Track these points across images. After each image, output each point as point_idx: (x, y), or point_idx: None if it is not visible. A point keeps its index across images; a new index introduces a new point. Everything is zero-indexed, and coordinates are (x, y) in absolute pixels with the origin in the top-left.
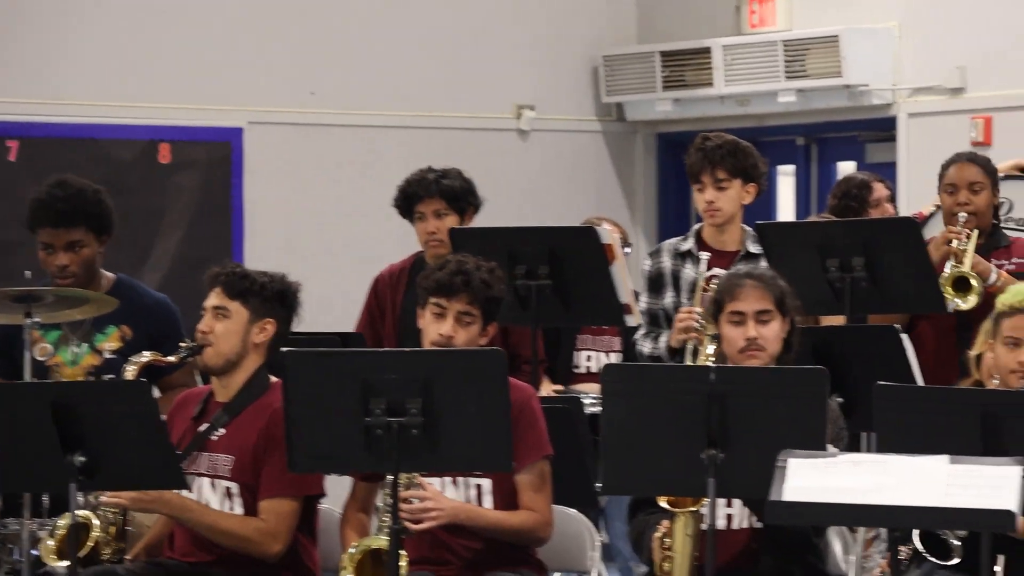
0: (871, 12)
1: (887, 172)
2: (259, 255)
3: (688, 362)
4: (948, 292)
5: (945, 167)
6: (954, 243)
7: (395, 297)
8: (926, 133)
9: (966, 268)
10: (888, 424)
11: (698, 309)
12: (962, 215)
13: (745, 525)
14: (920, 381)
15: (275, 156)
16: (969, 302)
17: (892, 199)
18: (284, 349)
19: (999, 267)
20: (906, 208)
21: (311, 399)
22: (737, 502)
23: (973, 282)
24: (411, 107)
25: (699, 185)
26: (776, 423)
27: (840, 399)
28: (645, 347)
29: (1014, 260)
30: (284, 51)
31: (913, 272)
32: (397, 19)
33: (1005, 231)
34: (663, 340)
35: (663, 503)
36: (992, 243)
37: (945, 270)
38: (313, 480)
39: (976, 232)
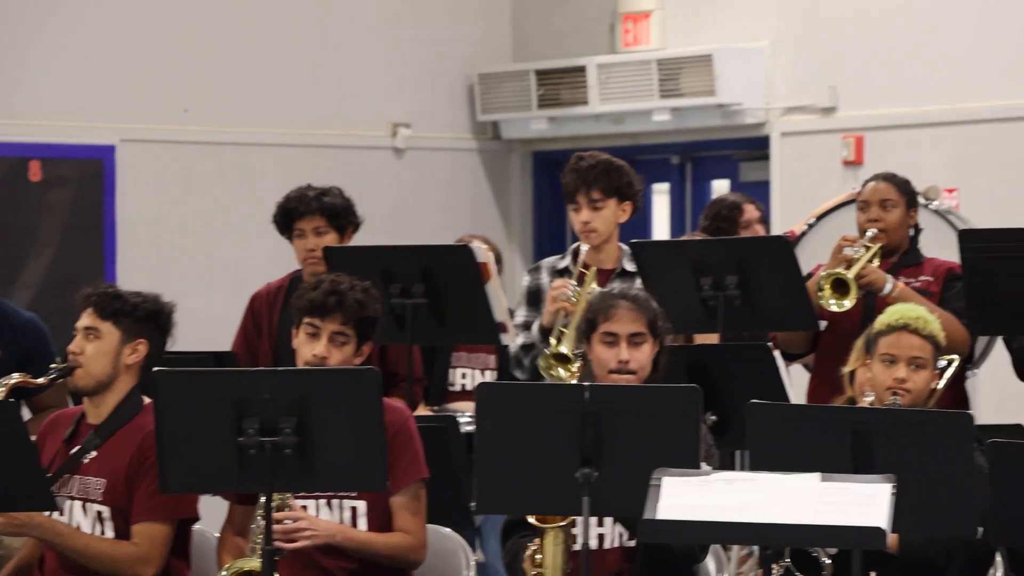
0: (744, 32)
1: (760, 190)
2: (132, 274)
3: (552, 341)
4: (826, 292)
5: (864, 184)
6: (847, 251)
7: (272, 316)
8: (798, 152)
9: (849, 273)
10: (760, 442)
11: (572, 281)
12: (870, 231)
13: (616, 544)
14: (792, 399)
15: (148, 174)
16: (843, 306)
17: (764, 221)
18: (155, 369)
19: (906, 283)
20: (779, 226)
21: (183, 419)
22: (608, 521)
23: (851, 286)
24: (286, 125)
25: (575, 205)
26: (650, 441)
27: (714, 417)
28: (518, 340)
29: (922, 278)
30: (157, 67)
31: (785, 290)
32: (271, 36)
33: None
34: (534, 326)
35: (531, 520)
36: (906, 260)
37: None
38: (186, 503)
39: (877, 247)
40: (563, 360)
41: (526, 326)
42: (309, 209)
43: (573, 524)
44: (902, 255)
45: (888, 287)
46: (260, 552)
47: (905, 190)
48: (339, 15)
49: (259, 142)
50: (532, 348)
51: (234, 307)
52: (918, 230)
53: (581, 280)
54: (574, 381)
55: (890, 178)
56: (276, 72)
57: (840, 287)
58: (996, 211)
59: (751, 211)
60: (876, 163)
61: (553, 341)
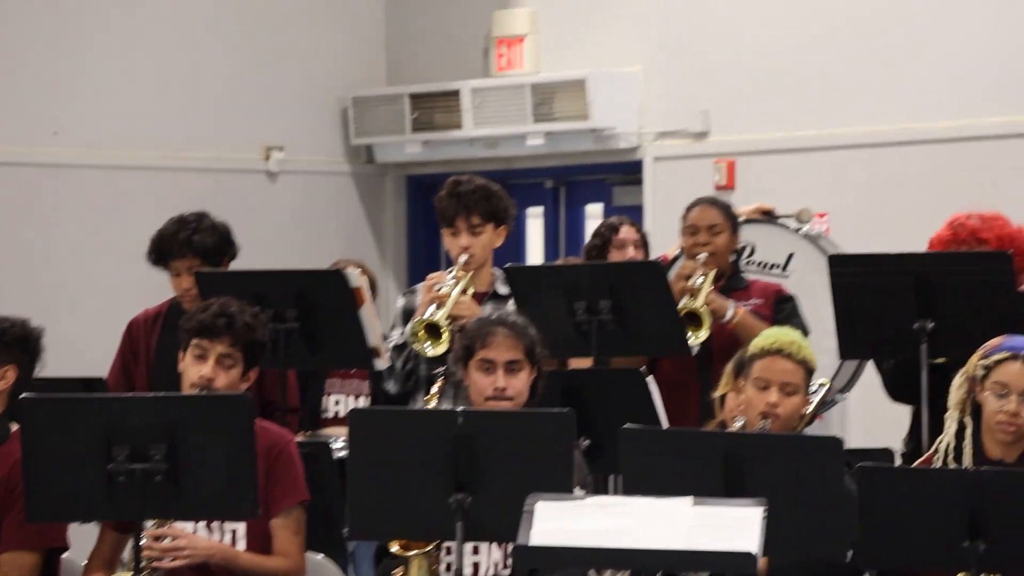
0: (617, 56)
1: (634, 215)
2: (0, 299)
3: (408, 327)
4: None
5: (687, 209)
6: (690, 280)
7: (149, 342)
8: (671, 176)
9: (698, 304)
10: (634, 467)
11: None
12: (701, 256)
13: (492, 573)
14: (665, 423)
15: (17, 197)
16: (699, 337)
17: (644, 244)
18: (23, 395)
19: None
20: (652, 250)
21: (51, 446)
22: (484, 547)
23: (703, 318)
24: (158, 148)
25: (453, 229)
26: (524, 466)
27: (587, 441)
28: (390, 343)
29: (751, 301)
30: (26, 89)
31: (658, 314)
32: (143, 58)
33: (745, 275)
34: (408, 329)
35: (394, 548)
36: (731, 284)
37: (680, 305)
38: (55, 532)
39: (713, 272)
40: (433, 333)
41: (400, 347)
42: (181, 251)
43: (438, 550)
44: (728, 279)
45: (730, 313)
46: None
47: (729, 214)
48: (211, 37)
49: (131, 165)
50: (404, 348)
51: (105, 332)
52: (739, 253)
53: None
54: (438, 351)
55: (715, 203)
56: (148, 94)
57: (692, 320)
58: (866, 236)
59: (627, 232)
60: (748, 187)
61: (432, 308)
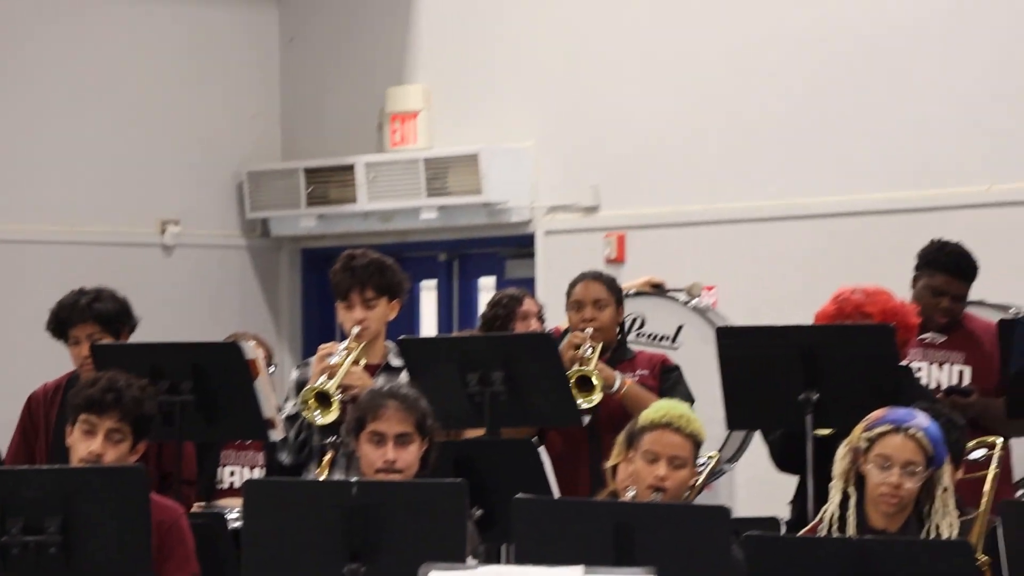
0: (509, 132)
1: (526, 287)
2: None
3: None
4: (572, 392)
5: (572, 285)
6: (579, 350)
7: (49, 415)
8: (562, 249)
9: (590, 368)
10: (526, 536)
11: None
12: (587, 330)
13: None
14: (556, 493)
15: None
16: (592, 401)
17: (541, 317)
18: None
19: None
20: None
21: None
22: None
23: (595, 381)
24: (55, 222)
25: (346, 302)
26: (417, 536)
27: (480, 511)
28: (284, 414)
29: (638, 372)
30: None
31: (550, 386)
32: (40, 131)
33: (634, 346)
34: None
35: None
36: (617, 356)
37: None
38: None
39: (600, 345)
40: (323, 401)
41: (293, 418)
42: (82, 317)
43: None
44: (614, 351)
45: (617, 383)
46: None
47: (614, 288)
48: (108, 111)
49: (28, 239)
50: (297, 418)
51: (4, 406)
52: (622, 327)
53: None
54: (327, 420)
55: (599, 277)
56: (46, 169)
57: (585, 385)
58: (753, 309)
59: (530, 304)
60: (637, 261)
61: (324, 378)
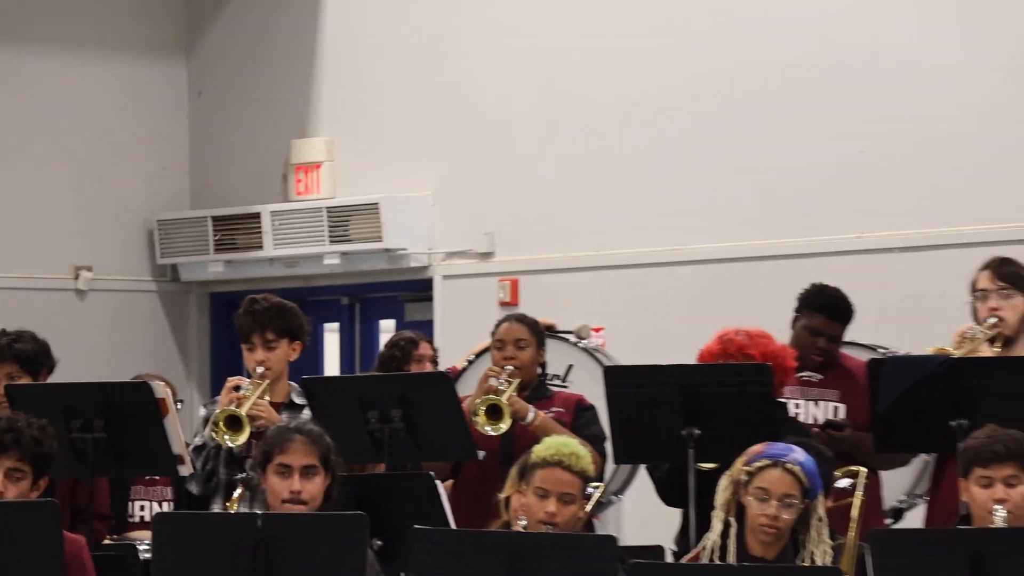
0: (408, 182)
1: (425, 329)
2: None
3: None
4: (482, 418)
5: (497, 325)
6: (492, 381)
7: None
8: (459, 293)
9: (502, 398)
10: (424, 565)
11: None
12: (508, 367)
13: None
14: (453, 524)
15: None
16: (499, 429)
17: (435, 360)
18: None
19: None
20: (442, 363)
21: None
22: None
23: (504, 410)
24: None
25: (249, 345)
26: (319, 566)
27: (380, 542)
28: (193, 445)
29: (553, 409)
30: None
31: (447, 423)
32: None
33: (549, 385)
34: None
35: None
36: (536, 394)
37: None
38: None
39: (518, 381)
40: (233, 425)
41: (200, 448)
42: (2, 357)
43: None
44: (533, 389)
45: (531, 416)
46: None
47: (535, 330)
48: (22, 160)
49: None
50: (203, 449)
51: None
52: (544, 367)
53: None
54: (238, 443)
55: (522, 319)
56: None
57: (495, 413)
58: (638, 349)
59: (425, 348)
60: (530, 304)
61: (233, 407)
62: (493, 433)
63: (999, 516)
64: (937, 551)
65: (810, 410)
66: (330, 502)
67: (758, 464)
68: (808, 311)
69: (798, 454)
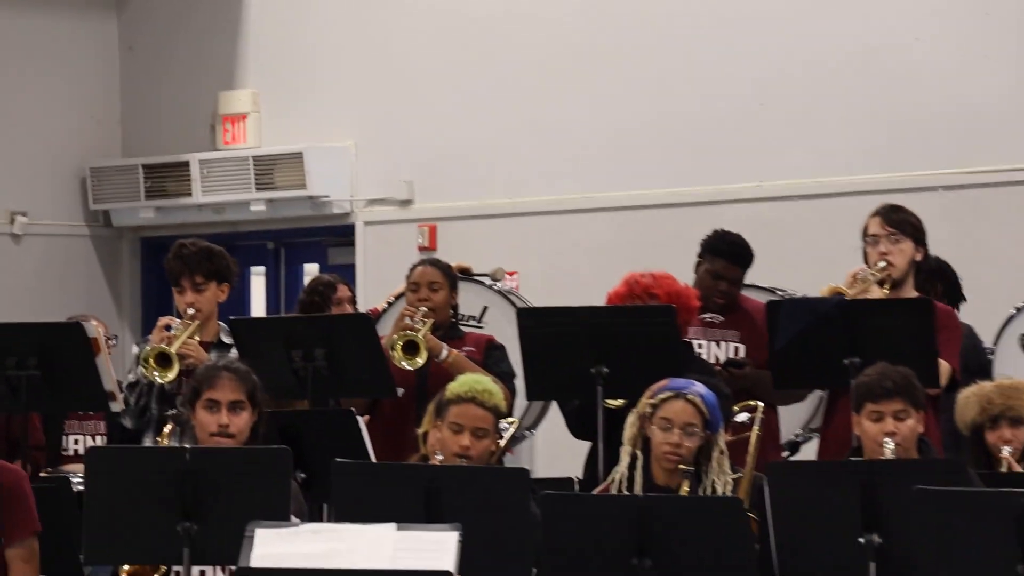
0: (331, 132)
1: (347, 273)
2: None
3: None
4: (398, 353)
5: (412, 268)
6: (407, 320)
7: None
8: (380, 239)
9: (418, 335)
10: (344, 497)
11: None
12: (422, 308)
13: None
14: (373, 458)
15: None
16: (416, 364)
17: (353, 301)
18: None
19: None
20: (364, 304)
21: None
22: (209, 572)
23: (421, 346)
24: None
25: (179, 288)
26: (245, 497)
27: (303, 475)
28: (127, 381)
29: (465, 348)
30: None
31: (368, 362)
32: None
33: (462, 326)
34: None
35: (123, 574)
36: (449, 335)
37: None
38: None
39: (432, 321)
40: (163, 362)
41: (133, 385)
42: None
43: (166, 575)
44: (446, 330)
45: (444, 353)
46: None
47: (449, 274)
48: None
49: None
50: (136, 385)
51: None
52: (456, 309)
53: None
54: (167, 379)
55: (436, 263)
56: None
57: (411, 349)
58: (550, 292)
59: (343, 290)
60: (448, 249)
61: (163, 345)
62: (410, 368)
63: (888, 448)
64: (830, 481)
65: (712, 350)
66: (257, 438)
67: (661, 396)
68: (710, 256)
69: (699, 387)
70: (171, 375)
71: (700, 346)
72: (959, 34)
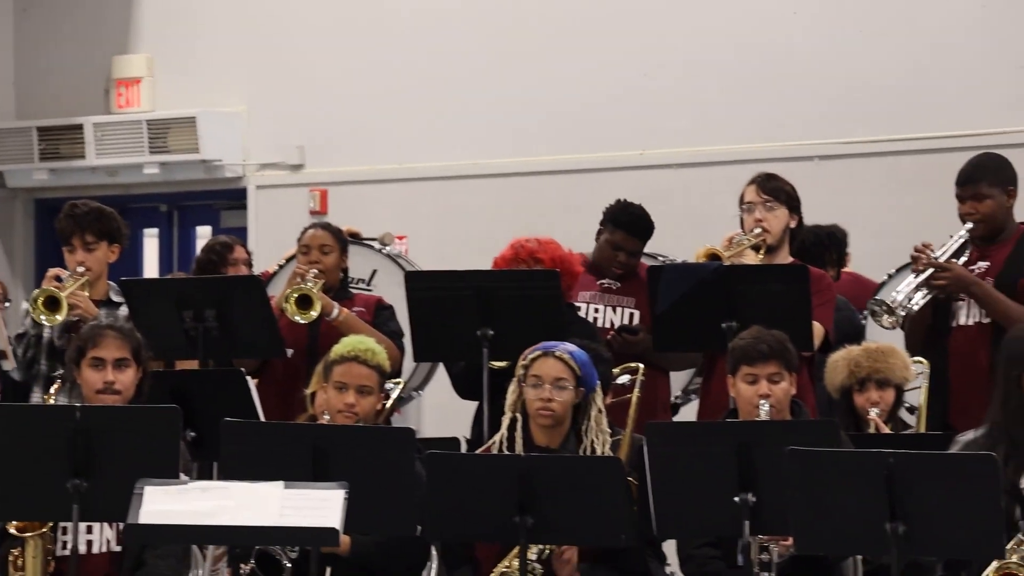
0: (224, 97)
1: (239, 236)
2: None
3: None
4: (292, 307)
5: (303, 231)
6: (298, 279)
7: None
8: (272, 203)
9: (311, 289)
10: (233, 455)
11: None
12: (312, 270)
13: (104, 549)
14: (262, 418)
15: None
16: (309, 317)
17: (249, 263)
18: None
19: None
20: (257, 267)
21: None
22: (96, 527)
23: (315, 300)
24: None
25: (70, 247)
26: (135, 455)
27: (193, 434)
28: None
29: (355, 309)
30: None
31: (258, 323)
32: None
33: (352, 288)
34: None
35: (11, 529)
36: (339, 296)
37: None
38: None
39: (322, 282)
40: (52, 306)
41: (21, 336)
42: None
43: (53, 531)
44: (336, 292)
45: (335, 312)
46: None
47: (339, 237)
48: None
49: None
50: (24, 336)
51: None
52: (346, 272)
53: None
54: (54, 322)
55: (327, 227)
56: None
57: (304, 303)
58: (438, 256)
59: (239, 251)
60: (339, 213)
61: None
62: (303, 321)
63: (763, 410)
64: (707, 442)
65: (608, 315)
66: (142, 395)
67: (532, 356)
68: (612, 226)
69: (568, 346)
70: (59, 318)
71: (597, 311)
72: (836, 9)
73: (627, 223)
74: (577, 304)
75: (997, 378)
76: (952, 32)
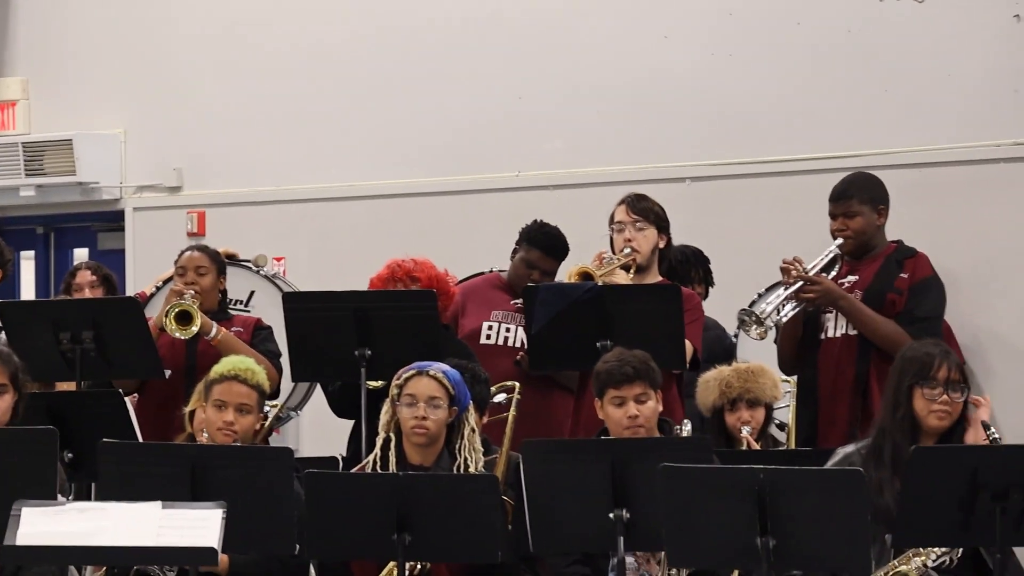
0: (101, 119)
1: (117, 257)
2: None
3: None
4: (172, 323)
5: (180, 254)
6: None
7: None
8: (150, 224)
9: (191, 306)
10: (111, 476)
11: None
12: (189, 291)
13: None
14: (140, 438)
15: None
16: (190, 332)
17: (105, 283)
18: None
19: None
20: (132, 288)
21: None
22: None
23: (194, 314)
24: None
25: None
26: (12, 477)
27: (71, 455)
28: None
29: (234, 329)
30: None
31: (135, 343)
32: None
33: (230, 310)
34: None
35: None
36: (218, 317)
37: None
38: None
39: (199, 303)
40: None
41: None
42: None
43: None
44: (214, 313)
45: (214, 331)
46: None
47: (216, 259)
48: None
49: None
50: None
51: None
52: (225, 294)
53: None
54: None
55: (203, 249)
56: None
57: (183, 319)
58: (316, 277)
59: (83, 276)
60: (217, 235)
61: None
62: (183, 337)
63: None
64: (582, 459)
65: (519, 335)
66: (17, 417)
67: (406, 375)
68: (527, 245)
69: (441, 365)
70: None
71: (508, 330)
72: (707, 34)
73: (542, 243)
74: (489, 323)
75: (888, 387)
76: (820, 58)
